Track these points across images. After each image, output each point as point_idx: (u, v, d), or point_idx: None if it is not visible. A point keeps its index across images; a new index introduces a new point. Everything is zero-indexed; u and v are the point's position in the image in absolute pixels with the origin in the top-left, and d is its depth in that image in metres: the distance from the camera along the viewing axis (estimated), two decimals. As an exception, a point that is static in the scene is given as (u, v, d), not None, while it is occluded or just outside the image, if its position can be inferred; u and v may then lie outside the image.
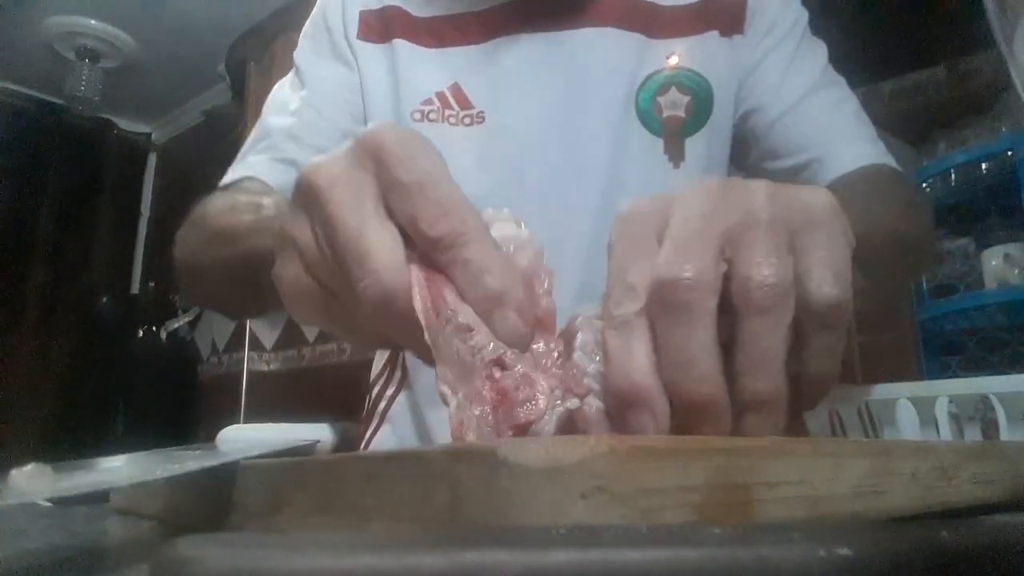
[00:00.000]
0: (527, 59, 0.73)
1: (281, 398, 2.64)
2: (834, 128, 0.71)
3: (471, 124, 0.72)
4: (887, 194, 0.68)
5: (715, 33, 0.74)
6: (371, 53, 0.75)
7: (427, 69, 0.73)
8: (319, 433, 0.40)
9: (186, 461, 0.30)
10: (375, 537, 0.17)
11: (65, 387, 3.11)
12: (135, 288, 3.61)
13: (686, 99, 0.72)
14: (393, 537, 0.17)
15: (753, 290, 0.25)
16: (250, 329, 2.73)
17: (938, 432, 0.55)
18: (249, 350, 2.71)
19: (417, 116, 0.72)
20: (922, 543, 0.17)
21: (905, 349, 1.35)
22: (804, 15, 0.77)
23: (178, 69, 3.24)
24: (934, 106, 1.52)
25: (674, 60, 0.73)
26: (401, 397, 0.80)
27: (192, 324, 3.04)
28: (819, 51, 0.76)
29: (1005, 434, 0.52)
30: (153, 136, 3.91)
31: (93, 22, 2.73)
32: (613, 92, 0.72)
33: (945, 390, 0.56)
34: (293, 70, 0.79)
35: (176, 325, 2.96)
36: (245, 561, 0.14)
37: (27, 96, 3.31)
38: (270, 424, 0.40)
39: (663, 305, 0.25)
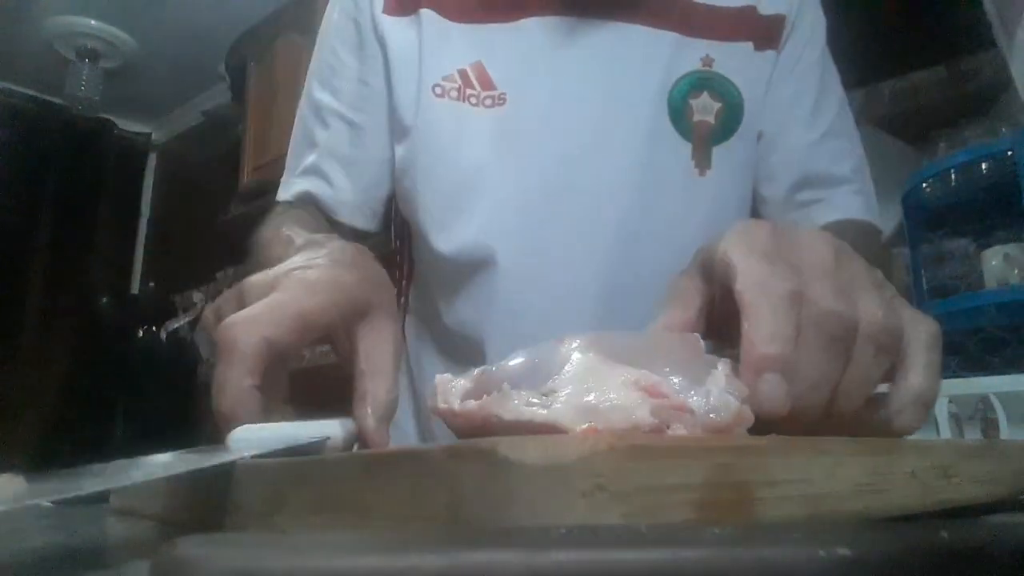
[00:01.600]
0: (555, 43, 0.71)
1: (281, 398, 2.63)
2: (844, 177, 0.75)
3: (492, 106, 0.70)
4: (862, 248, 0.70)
5: (749, 44, 0.74)
6: (398, 26, 0.73)
7: (452, 42, 0.71)
8: (329, 429, 0.40)
9: (198, 461, 0.30)
10: (375, 537, 0.17)
11: (65, 387, 3.11)
12: (135, 288, 3.61)
13: (717, 106, 0.71)
14: (393, 537, 0.17)
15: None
16: (250, 329, 2.73)
17: (938, 432, 0.55)
18: (249, 350, 2.70)
19: (438, 91, 0.70)
20: (922, 542, 0.17)
21: (905, 349, 1.35)
22: (825, 46, 0.78)
23: (178, 69, 3.24)
24: (934, 106, 1.52)
25: (709, 62, 0.72)
26: (403, 398, 0.78)
27: (192, 324, 3.03)
28: (838, 85, 0.78)
29: (1005, 433, 0.52)
30: (153, 136, 3.91)
31: (93, 22, 2.73)
32: (646, 87, 0.70)
33: (945, 390, 0.56)
34: (322, 63, 0.78)
35: (176, 325, 2.96)
36: (245, 561, 0.14)
37: (27, 96, 3.31)
38: (280, 423, 0.39)
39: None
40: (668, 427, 0.24)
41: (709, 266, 0.35)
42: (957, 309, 1.32)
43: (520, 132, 0.69)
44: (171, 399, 2.86)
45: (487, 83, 0.70)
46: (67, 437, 2.87)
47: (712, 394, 0.26)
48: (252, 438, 0.37)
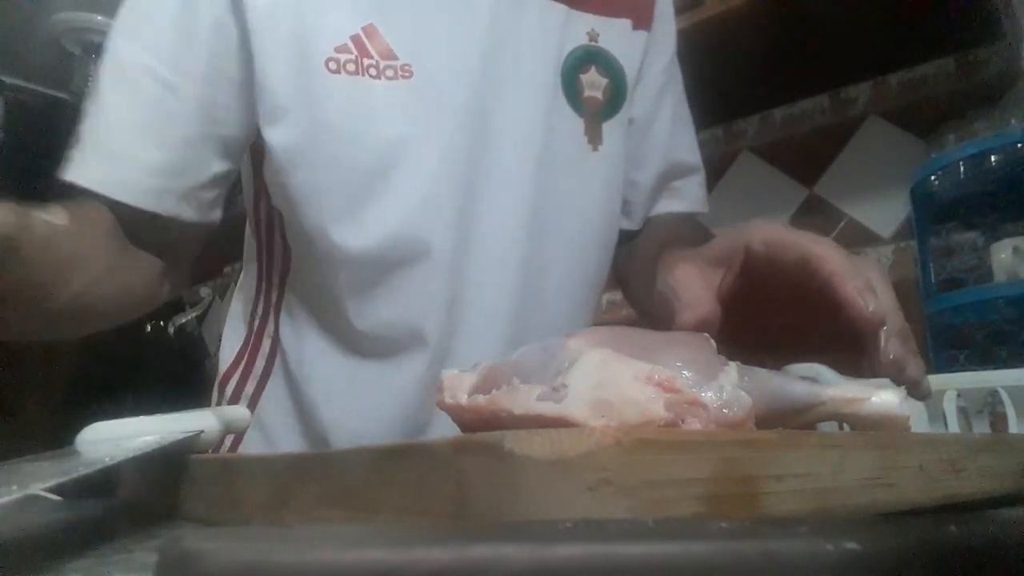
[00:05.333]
0: (449, 6, 0.65)
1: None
2: (696, 166, 0.80)
3: (394, 77, 0.62)
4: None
5: (628, 22, 0.74)
6: None
7: (337, 6, 0.62)
8: (202, 421, 0.37)
9: (38, 472, 0.29)
10: (381, 530, 0.17)
11: (73, 382, 3.12)
12: (143, 283, 3.61)
13: (604, 82, 0.72)
14: (399, 530, 0.17)
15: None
16: (257, 324, 2.74)
17: (946, 426, 0.55)
18: (256, 345, 2.71)
19: (332, 66, 0.61)
20: (930, 537, 0.17)
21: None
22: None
23: (184, 64, 3.23)
24: (943, 98, 1.50)
25: (595, 37, 0.72)
26: (273, 392, 0.70)
27: (200, 319, 3.05)
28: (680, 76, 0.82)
29: (1014, 427, 0.52)
30: (160, 131, 3.91)
31: (100, 17, 2.73)
32: (542, 59, 0.68)
33: (953, 384, 0.56)
34: (133, 11, 0.63)
35: (184, 320, 2.97)
36: (252, 555, 0.14)
37: (34, 92, 3.32)
38: (143, 417, 0.36)
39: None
40: (683, 421, 0.24)
41: (730, 254, 0.41)
42: (966, 302, 1.32)
43: (431, 109, 0.63)
44: (179, 394, 2.87)
45: (385, 51, 0.63)
46: (76, 432, 2.89)
47: (725, 389, 0.26)
48: (109, 438, 0.35)
